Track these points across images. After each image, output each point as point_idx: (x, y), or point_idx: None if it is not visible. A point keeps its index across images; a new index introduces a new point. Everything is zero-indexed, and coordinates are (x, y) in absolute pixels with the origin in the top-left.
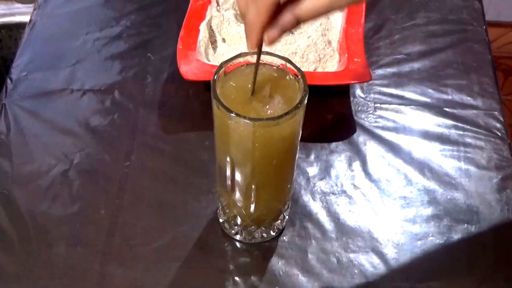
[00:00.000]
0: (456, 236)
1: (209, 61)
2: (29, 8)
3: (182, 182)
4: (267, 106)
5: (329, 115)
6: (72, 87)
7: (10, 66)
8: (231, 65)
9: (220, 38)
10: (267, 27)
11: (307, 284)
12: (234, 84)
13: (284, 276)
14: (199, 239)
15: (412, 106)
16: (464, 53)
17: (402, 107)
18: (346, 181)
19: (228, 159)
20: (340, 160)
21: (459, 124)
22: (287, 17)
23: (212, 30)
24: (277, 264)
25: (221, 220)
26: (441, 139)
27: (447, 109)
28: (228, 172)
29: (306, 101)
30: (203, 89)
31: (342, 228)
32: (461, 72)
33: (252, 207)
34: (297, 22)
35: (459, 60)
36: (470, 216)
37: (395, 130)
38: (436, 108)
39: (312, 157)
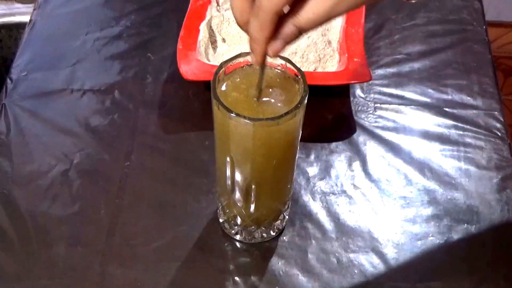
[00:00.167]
0: (456, 236)
1: (209, 61)
2: (29, 8)
3: (182, 182)
4: (267, 106)
5: (329, 115)
6: (72, 87)
7: (10, 66)
8: (231, 65)
9: (220, 38)
10: (270, 40)
11: (307, 284)
12: (234, 84)
13: (284, 276)
14: (199, 239)
15: (412, 106)
16: (464, 53)
17: (402, 107)
18: (346, 181)
19: (228, 159)
20: (340, 160)
21: (459, 124)
22: (289, 28)
23: (212, 30)
24: (277, 264)
25: (221, 220)
26: (441, 139)
27: (447, 109)
28: (228, 172)
29: (306, 101)
30: (203, 89)
31: (342, 228)
32: (461, 72)
33: (252, 207)
34: (300, 32)
35: (459, 60)
36: (470, 216)
37: (395, 130)
38: (436, 108)
39: (312, 157)
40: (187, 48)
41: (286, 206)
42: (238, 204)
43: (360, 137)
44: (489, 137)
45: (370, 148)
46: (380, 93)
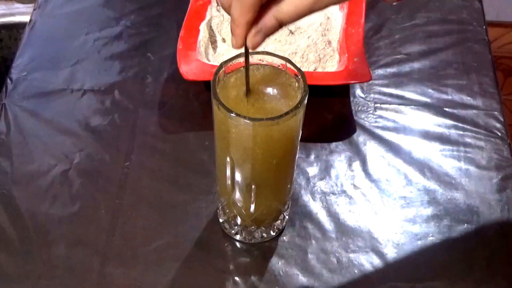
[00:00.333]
0: (456, 236)
1: (209, 61)
2: (29, 8)
3: (182, 182)
4: (267, 106)
5: (329, 115)
6: (72, 87)
7: (10, 66)
8: (231, 65)
9: (220, 38)
10: (252, 26)
11: (307, 284)
12: (234, 84)
13: (284, 276)
14: (199, 239)
15: (412, 106)
16: (464, 53)
17: (402, 107)
18: (346, 181)
19: (228, 159)
20: (340, 160)
21: (459, 124)
22: (269, 20)
23: (212, 30)
24: (277, 264)
25: (221, 220)
26: (441, 139)
27: (447, 109)
28: (228, 172)
29: (306, 101)
30: (203, 89)
31: (342, 228)
32: (461, 72)
33: (252, 207)
34: (280, 25)
35: (459, 60)
36: (470, 216)
37: (395, 130)
38: (436, 108)
39: (312, 157)
40: (187, 48)
41: (286, 206)
42: (238, 204)
43: (360, 137)
44: (489, 137)
45: (370, 148)
46: (380, 93)
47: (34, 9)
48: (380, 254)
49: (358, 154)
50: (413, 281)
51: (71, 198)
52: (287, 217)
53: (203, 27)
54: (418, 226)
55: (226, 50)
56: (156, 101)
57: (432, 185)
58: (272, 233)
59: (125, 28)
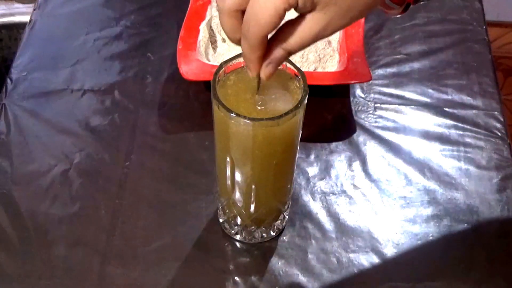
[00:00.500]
0: (456, 236)
1: (209, 61)
2: (29, 8)
3: (182, 182)
4: (267, 106)
5: (329, 115)
6: (72, 87)
7: (10, 66)
8: (231, 65)
9: (220, 38)
10: (263, 58)
11: (307, 284)
12: (234, 84)
13: (284, 276)
14: (199, 239)
15: (412, 106)
16: (464, 53)
17: (402, 107)
18: (346, 181)
19: (228, 159)
20: (340, 160)
21: (459, 124)
22: (278, 52)
23: (212, 30)
24: (277, 264)
25: (221, 220)
26: (441, 139)
27: (447, 109)
28: (228, 172)
29: (306, 101)
30: (203, 89)
31: (342, 228)
32: (461, 72)
33: (252, 207)
34: (289, 54)
35: (459, 60)
36: (470, 216)
37: (395, 130)
38: (436, 108)
39: (312, 157)
40: (187, 48)
41: (286, 206)
42: (238, 204)
43: (360, 137)
44: (489, 137)
45: (370, 148)
46: (380, 93)
47: (34, 9)
48: (380, 254)
49: (358, 154)
50: (413, 281)
51: (71, 198)
52: (287, 217)
53: (203, 27)
54: (418, 226)
55: (226, 50)
56: (156, 101)
57: (432, 185)
58: (272, 233)
59: (125, 28)
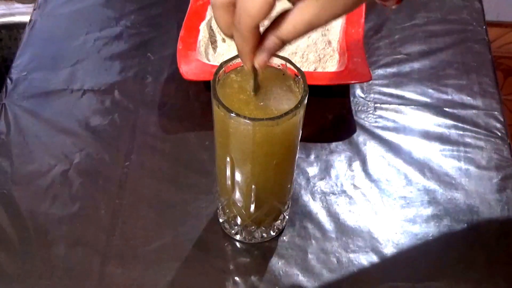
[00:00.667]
0: (456, 236)
1: (209, 61)
2: (29, 8)
3: (182, 182)
4: (267, 106)
5: (329, 115)
6: (72, 87)
7: (10, 66)
8: (231, 65)
9: (220, 38)
10: (257, 49)
11: (307, 284)
12: (234, 84)
13: (284, 276)
14: (199, 239)
15: (412, 106)
16: (464, 53)
17: (402, 107)
18: (346, 181)
19: (228, 159)
20: (340, 160)
21: (459, 124)
22: (272, 40)
23: (212, 30)
24: (277, 264)
25: (221, 220)
26: (441, 139)
27: (447, 109)
28: (228, 172)
29: (306, 101)
30: (203, 89)
31: (342, 228)
32: (461, 72)
33: (252, 207)
34: (282, 44)
35: (459, 60)
36: (470, 216)
37: (395, 130)
38: (436, 108)
39: (312, 157)
40: (187, 48)
41: (286, 206)
42: (238, 204)
43: (360, 137)
44: (489, 137)
45: (370, 148)
46: (380, 93)
47: (34, 9)
48: (380, 254)
49: (358, 154)
50: (413, 281)
51: (71, 198)
52: (287, 217)
53: (203, 27)
54: (418, 226)
55: (226, 50)
56: (156, 101)
57: (432, 185)
58: (272, 233)
59: (125, 28)
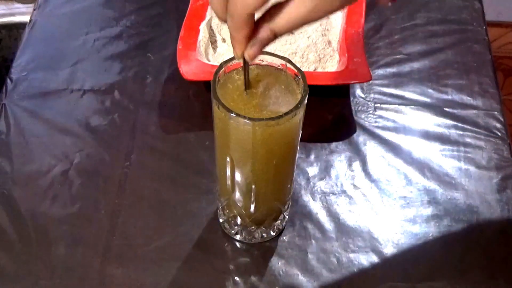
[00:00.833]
0: (456, 236)
1: (209, 61)
2: (29, 8)
3: (182, 182)
4: (267, 106)
5: (329, 115)
6: (72, 87)
7: (10, 66)
8: (231, 65)
9: (220, 38)
10: (249, 38)
11: (307, 284)
12: (234, 84)
13: (284, 276)
14: (199, 239)
15: (412, 106)
16: (464, 53)
17: (402, 107)
18: (346, 181)
19: (228, 159)
20: (340, 160)
21: (459, 124)
22: (264, 31)
23: (212, 30)
24: (277, 264)
25: (221, 220)
26: (441, 139)
27: (447, 109)
28: (228, 172)
29: (306, 101)
30: (203, 89)
31: (342, 228)
32: (461, 72)
33: (252, 207)
34: (275, 36)
35: (459, 60)
36: (470, 216)
37: (395, 130)
38: (436, 108)
39: (312, 157)
40: (187, 48)
41: (286, 206)
42: (238, 204)
43: (360, 137)
44: (489, 137)
45: (370, 148)
46: (380, 93)
47: (34, 9)
48: (380, 254)
49: (358, 154)
50: (413, 281)
51: (71, 198)
52: (287, 217)
53: (203, 27)
54: (418, 226)
55: (226, 50)
56: (156, 101)
57: (432, 185)
58: (272, 233)
59: (125, 28)
